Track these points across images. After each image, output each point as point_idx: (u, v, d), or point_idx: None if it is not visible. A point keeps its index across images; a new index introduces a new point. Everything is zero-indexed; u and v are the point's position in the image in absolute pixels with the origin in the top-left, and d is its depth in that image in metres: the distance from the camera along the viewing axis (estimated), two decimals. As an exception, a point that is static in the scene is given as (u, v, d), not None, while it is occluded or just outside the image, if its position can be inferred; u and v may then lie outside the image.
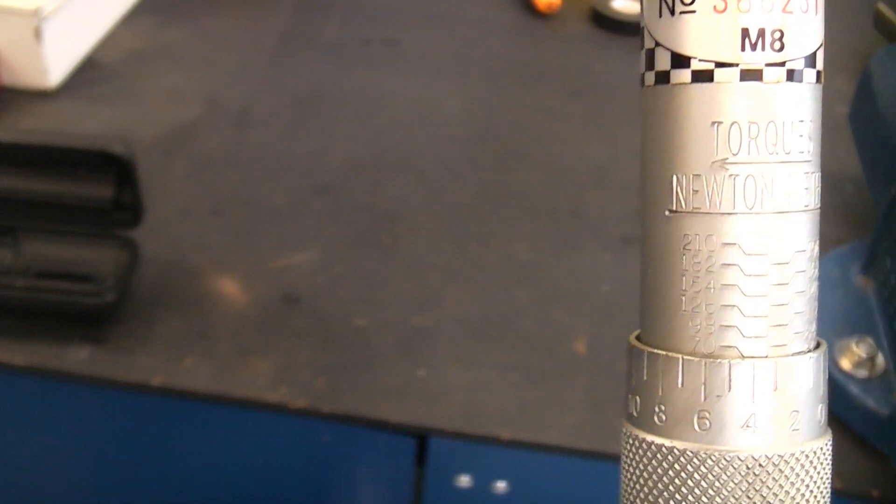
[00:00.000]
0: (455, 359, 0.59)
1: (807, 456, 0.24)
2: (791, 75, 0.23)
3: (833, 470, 0.55)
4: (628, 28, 0.95)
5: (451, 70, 0.88)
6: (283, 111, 0.81)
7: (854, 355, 0.55)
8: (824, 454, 0.24)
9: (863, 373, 0.54)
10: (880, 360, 0.55)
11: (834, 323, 0.58)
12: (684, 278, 0.24)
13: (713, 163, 0.23)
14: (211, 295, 0.62)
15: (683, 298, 0.24)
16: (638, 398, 0.26)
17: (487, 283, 0.65)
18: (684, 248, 0.24)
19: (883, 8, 0.78)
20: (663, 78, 0.24)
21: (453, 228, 0.69)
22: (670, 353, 0.24)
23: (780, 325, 0.24)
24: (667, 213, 0.24)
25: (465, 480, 0.59)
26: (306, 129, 0.79)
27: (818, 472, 0.24)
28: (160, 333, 0.59)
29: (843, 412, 0.55)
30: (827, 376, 0.25)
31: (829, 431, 0.25)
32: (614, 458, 0.57)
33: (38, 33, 0.75)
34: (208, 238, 0.66)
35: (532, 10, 0.98)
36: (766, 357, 0.24)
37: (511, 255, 0.67)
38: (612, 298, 0.64)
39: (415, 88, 0.85)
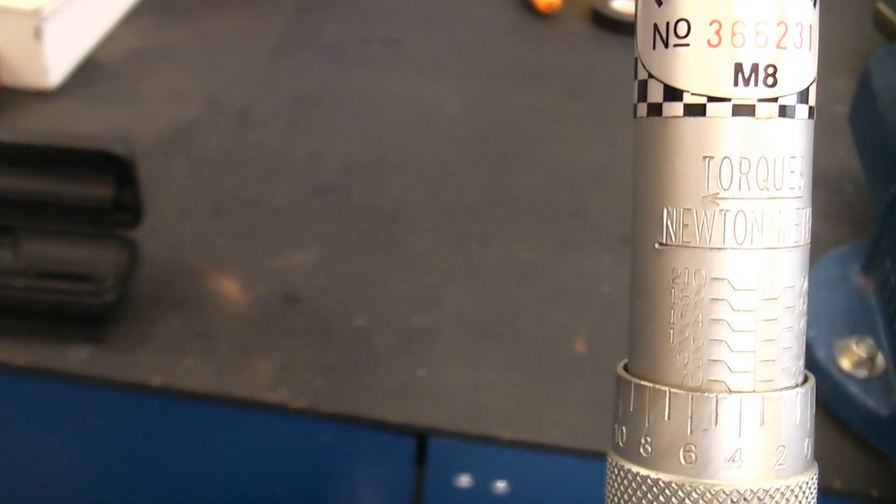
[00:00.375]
0: (455, 359, 0.59)
1: (792, 491, 0.24)
2: (783, 111, 0.23)
3: (833, 470, 0.55)
4: (628, 28, 0.95)
5: (451, 70, 0.88)
6: (283, 111, 0.81)
7: (854, 355, 0.55)
8: (810, 489, 0.24)
9: (863, 373, 0.54)
10: (880, 360, 0.55)
11: (834, 323, 0.58)
12: (673, 312, 0.24)
13: (704, 197, 0.23)
14: (211, 295, 0.62)
15: (672, 332, 0.24)
16: (624, 428, 0.26)
17: (487, 283, 0.65)
18: (673, 282, 0.24)
19: (883, 8, 0.78)
20: (655, 110, 0.24)
21: (453, 228, 0.69)
22: (657, 386, 0.24)
23: (767, 361, 0.24)
24: (657, 245, 0.24)
25: (465, 480, 0.59)
26: (306, 129, 0.79)
27: None
28: (160, 333, 0.59)
29: (843, 412, 0.55)
30: (814, 411, 0.25)
31: (816, 465, 0.25)
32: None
33: (38, 33, 0.75)
34: (208, 238, 0.66)
35: (532, 10, 0.98)
36: (754, 392, 0.24)
37: (511, 255, 0.67)
38: (612, 298, 0.64)
39: (415, 88, 0.85)
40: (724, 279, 0.23)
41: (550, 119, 0.82)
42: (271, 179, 0.73)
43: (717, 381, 0.24)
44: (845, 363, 0.55)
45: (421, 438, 0.57)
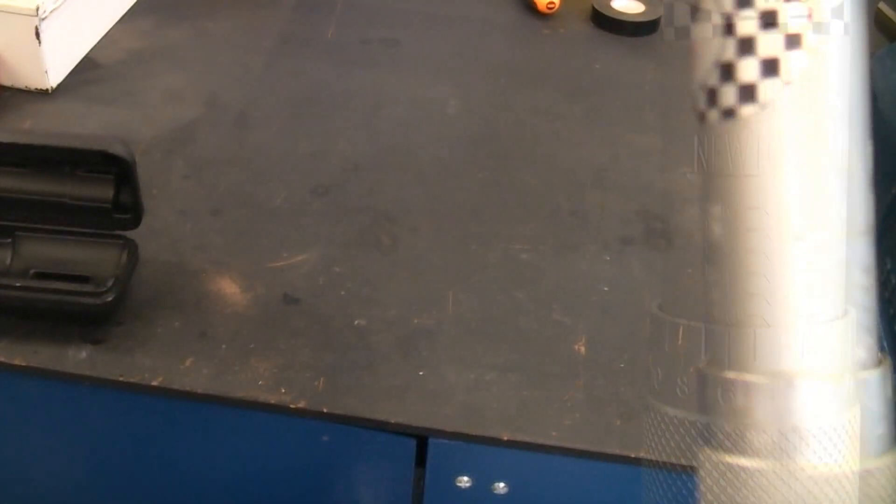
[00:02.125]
0: (455, 359, 0.59)
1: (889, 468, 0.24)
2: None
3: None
4: (628, 28, 0.95)
5: (451, 70, 0.88)
6: (283, 111, 0.81)
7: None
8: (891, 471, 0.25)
9: (863, 373, 0.54)
10: (880, 360, 0.55)
11: (834, 323, 0.58)
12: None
13: None
14: (211, 295, 0.62)
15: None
16: (728, 428, 0.25)
17: (487, 283, 0.65)
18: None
19: (883, 8, 0.78)
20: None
21: (453, 228, 0.69)
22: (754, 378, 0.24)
23: (869, 343, 0.24)
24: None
25: (465, 481, 0.59)
26: (306, 129, 0.79)
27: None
28: (160, 333, 0.59)
29: (844, 412, 0.55)
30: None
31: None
32: (614, 459, 0.57)
33: (38, 33, 0.75)
34: (208, 238, 0.66)
35: (532, 10, 0.98)
36: (878, 368, 0.24)
37: (511, 255, 0.67)
38: (612, 298, 0.64)
39: (415, 88, 0.85)
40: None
41: (550, 119, 0.82)
42: (271, 179, 0.73)
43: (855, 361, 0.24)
44: (845, 363, 0.55)
45: (421, 439, 0.57)
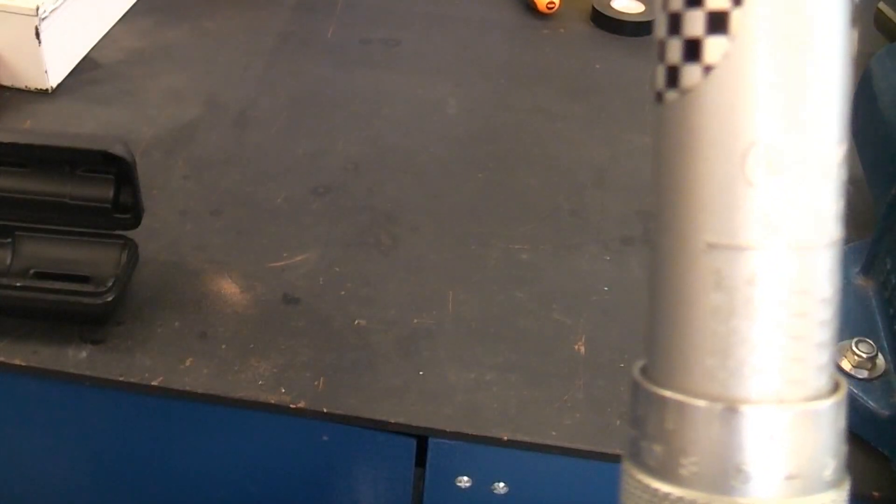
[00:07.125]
0: (455, 359, 0.59)
1: (844, 500, 0.23)
2: None
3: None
4: (628, 28, 0.95)
5: (451, 70, 0.88)
6: (283, 111, 0.81)
7: (854, 356, 0.55)
8: (849, 494, 0.24)
9: (863, 373, 0.54)
10: (880, 360, 0.55)
11: (834, 323, 0.58)
12: (715, 318, 0.22)
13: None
14: (211, 295, 0.62)
15: (713, 341, 0.22)
16: (657, 447, 0.23)
17: (487, 283, 0.65)
18: (717, 285, 0.22)
19: (883, 8, 0.78)
20: None
21: (453, 228, 0.69)
22: (698, 402, 0.22)
23: (819, 367, 0.22)
24: (706, 245, 0.23)
25: (464, 481, 0.59)
26: (306, 129, 0.79)
27: None
28: (160, 334, 0.59)
29: (844, 412, 0.55)
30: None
31: (848, 472, 0.24)
32: (614, 459, 0.57)
33: (38, 33, 0.75)
34: (208, 238, 0.66)
35: (532, 10, 0.98)
36: (804, 404, 0.22)
37: (511, 255, 0.67)
38: (612, 298, 0.64)
39: (415, 88, 0.85)
40: (779, 282, 0.22)
41: (550, 119, 0.82)
42: (271, 179, 0.73)
43: (767, 394, 0.22)
44: (846, 364, 0.55)
45: (421, 439, 0.57)
